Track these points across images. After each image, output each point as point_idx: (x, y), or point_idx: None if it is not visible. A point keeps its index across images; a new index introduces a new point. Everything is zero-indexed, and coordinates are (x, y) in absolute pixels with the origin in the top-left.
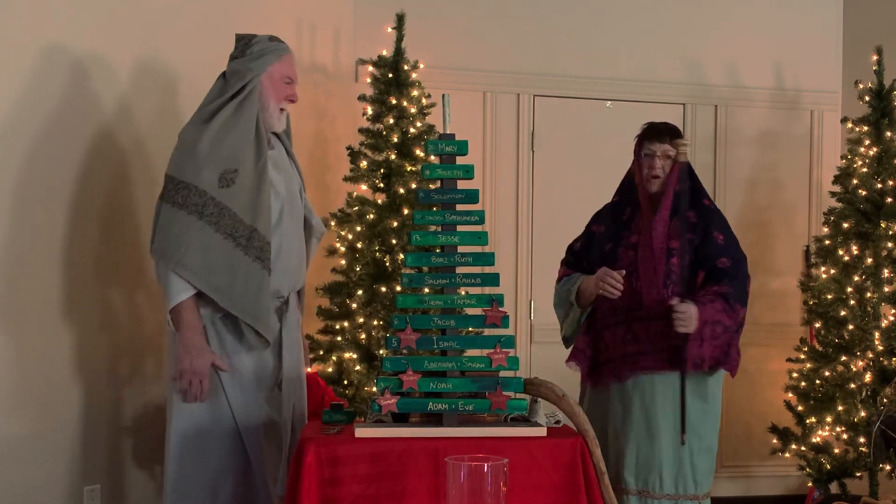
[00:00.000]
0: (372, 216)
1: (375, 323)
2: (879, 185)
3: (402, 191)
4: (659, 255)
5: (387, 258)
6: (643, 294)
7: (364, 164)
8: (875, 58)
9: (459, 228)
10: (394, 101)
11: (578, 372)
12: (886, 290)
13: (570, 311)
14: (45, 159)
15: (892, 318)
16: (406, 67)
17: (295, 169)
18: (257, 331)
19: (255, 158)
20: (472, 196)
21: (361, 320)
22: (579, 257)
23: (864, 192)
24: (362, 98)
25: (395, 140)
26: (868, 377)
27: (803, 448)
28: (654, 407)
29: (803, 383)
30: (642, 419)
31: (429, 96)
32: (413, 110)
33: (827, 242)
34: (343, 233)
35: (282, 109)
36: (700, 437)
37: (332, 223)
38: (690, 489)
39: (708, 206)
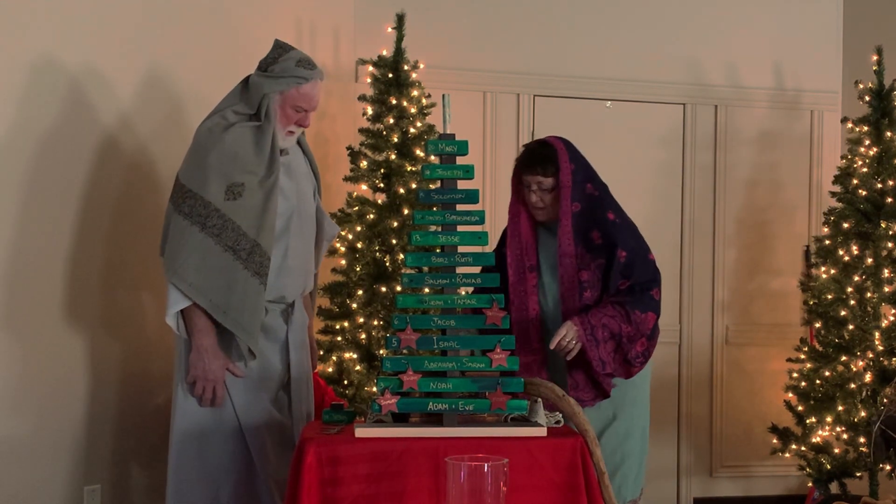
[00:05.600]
0: (372, 216)
1: (375, 323)
2: (879, 185)
3: (402, 191)
4: (570, 290)
5: (387, 258)
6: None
7: (364, 164)
8: (875, 58)
9: (459, 228)
10: (394, 102)
11: None
12: (886, 290)
13: None
14: (51, 161)
15: (892, 318)
16: (406, 67)
17: (311, 170)
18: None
19: (265, 174)
20: (472, 196)
21: (361, 320)
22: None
23: (864, 192)
24: (362, 98)
25: (395, 140)
26: (868, 377)
27: (803, 448)
28: None
29: (803, 383)
30: None
31: (429, 96)
32: (413, 110)
33: (827, 242)
34: (343, 233)
35: (291, 132)
36: (609, 446)
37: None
38: None
39: (612, 221)
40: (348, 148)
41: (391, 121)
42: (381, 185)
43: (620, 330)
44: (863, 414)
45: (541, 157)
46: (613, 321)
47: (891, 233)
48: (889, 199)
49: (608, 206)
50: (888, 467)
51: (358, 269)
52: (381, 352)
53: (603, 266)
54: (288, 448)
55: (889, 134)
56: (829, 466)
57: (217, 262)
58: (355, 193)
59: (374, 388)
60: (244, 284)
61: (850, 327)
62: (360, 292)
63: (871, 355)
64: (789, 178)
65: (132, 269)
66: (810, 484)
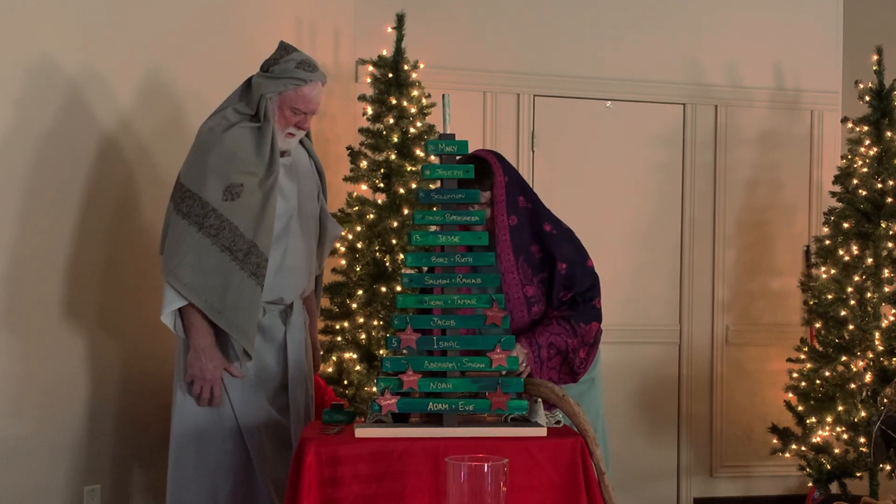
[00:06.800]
0: (372, 216)
1: (375, 323)
2: (879, 185)
3: (402, 191)
4: (517, 307)
5: (387, 258)
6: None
7: (364, 164)
8: (875, 58)
9: (459, 228)
10: (394, 101)
11: None
12: (886, 290)
13: None
14: (51, 162)
15: (892, 318)
16: (406, 67)
17: (315, 171)
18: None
19: (264, 175)
20: (472, 196)
21: (361, 320)
22: None
23: (864, 192)
24: (362, 98)
25: (395, 140)
26: (868, 377)
27: (803, 448)
28: None
29: (803, 383)
30: None
31: (429, 96)
32: (413, 110)
33: (827, 242)
34: (343, 233)
35: (290, 134)
36: None
37: None
38: None
39: (549, 232)
40: (348, 148)
41: (391, 121)
42: (381, 185)
43: (567, 346)
44: (863, 414)
45: (476, 171)
46: (560, 338)
47: (891, 233)
48: (889, 199)
49: (543, 217)
50: (888, 467)
51: (358, 269)
52: (381, 352)
53: (546, 279)
54: (286, 448)
55: (889, 134)
56: (829, 466)
57: (213, 262)
58: (355, 193)
59: (374, 388)
60: (240, 285)
61: (850, 327)
62: (360, 292)
63: (871, 355)
64: (789, 178)
65: (132, 269)
66: (810, 484)
